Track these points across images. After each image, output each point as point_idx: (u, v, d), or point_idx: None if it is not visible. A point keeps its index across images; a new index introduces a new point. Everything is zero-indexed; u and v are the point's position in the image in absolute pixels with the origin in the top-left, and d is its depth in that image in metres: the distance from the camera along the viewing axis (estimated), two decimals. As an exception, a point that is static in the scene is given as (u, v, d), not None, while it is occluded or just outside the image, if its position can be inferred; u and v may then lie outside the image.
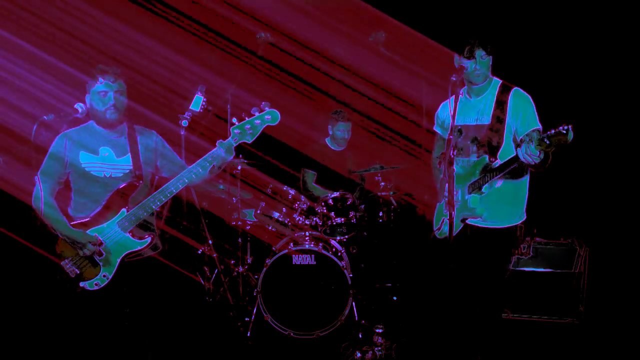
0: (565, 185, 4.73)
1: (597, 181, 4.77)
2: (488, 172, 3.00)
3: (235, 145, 2.81)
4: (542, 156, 2.69)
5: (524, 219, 3.18)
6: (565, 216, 4.81)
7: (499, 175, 2.97)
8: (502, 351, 3.70)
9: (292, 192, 4.60)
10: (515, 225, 3.15)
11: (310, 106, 5.53)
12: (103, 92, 2.83)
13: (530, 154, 2.69)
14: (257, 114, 2.77)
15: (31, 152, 2.82)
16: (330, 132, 5.11)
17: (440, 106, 3.40)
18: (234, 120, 2.78)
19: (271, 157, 5.07)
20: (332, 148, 5.13)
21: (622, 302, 4.32)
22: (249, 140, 2.80)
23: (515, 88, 3.11)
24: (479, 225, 3.12)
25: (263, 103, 2.78)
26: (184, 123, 4.23)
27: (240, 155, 4.61)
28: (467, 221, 3.13)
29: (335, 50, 5.42)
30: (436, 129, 3.43)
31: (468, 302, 3.15)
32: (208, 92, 4.36)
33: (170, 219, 4.73)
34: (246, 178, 4.77)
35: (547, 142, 2.59)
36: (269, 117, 2.78)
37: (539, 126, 3.02)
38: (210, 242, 4.65)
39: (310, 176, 5.06)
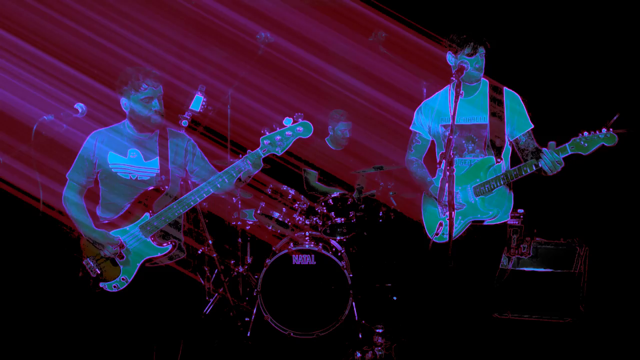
0: (565, 185, 4.72)
1: (597, 181, 4.77)
2: (507, 176, 2.97)
3: (263, 157, 2.72)
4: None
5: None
6: (565, 216, 4.81)
7: (519, 178, 2.96)
8: (502, 351, 3.71)
9: (292, 192, 4.59)
10: (507, 221, 3.18)
11: (310, 106, 5.53)
12: (148, 99, 2.77)
13: (554, 162, 2.79)
14: (288, 125, 2.66)
15: (31, 152, 2.81)
16: (331, 132, 5.11)
17: (423, 104, 3.31)
18: (264, 130, 2.69)
19: (271, 157, 5.07)
20: (332, 148, 5.14)
21: (622, 302, 4.32)
22: (279, 152, 2.69)
23: (506, 88, 3.12)
24: (487, 223, 3.10)
25: (297, 114, 2.67)
26: (184, 123, 4.22)
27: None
28: (475, 222, 3.11)
29: (335, 50, 5.42)
30: (416, 129, 3.32)
31: (467, 301, 3.15)
32: (208, 92, 4.36)
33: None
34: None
35: (585, 144, 2.74)
36: (301, 128, 2.66)
37: (532, 126, 3.07)
38: (210, 242, 4.65)
39: (312, 175, 5.06)
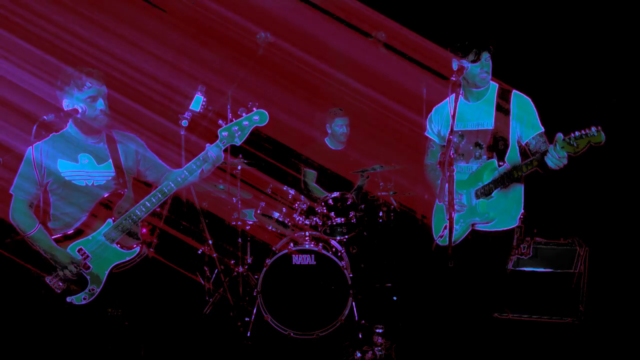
0: (565, 185, 4.73)
1: (597, 181, 4.77)
2: (501, 178, 2.95)
3: (223, 148, 2.72)
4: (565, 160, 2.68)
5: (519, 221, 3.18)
6: (565, 216, 4.81)
7: (513, 181, 2.93)
8: (502, 351, 3.71)
9: (292, 192, 4.59)
10: (514, 227, 3.13)
11: (310, 106, 5.53)
12: (92, 98, 2.70)
13: (560, 158, 2.68)
14: (244, 114, 2.71)
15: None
16: (329, 131, 5.11)
17: (433, 110, 3.32)
18: (221, 122, 2.72)
19: (271, 157, 5.08)
20: (332, 147, 5.14)
21: (622, 302, 4.32)
22: (238, 142, 2.72)
23: (515, 91, 3.09)
24: (487, 229, 3.08)
25: (250, 103, 2.71)
26: (184, 123, 4.23)
27: (240, 155, 4.61)
28: (475, 226, 3.10)
29: (335, 49, 5.42)
30: (429, 134, 3.35)
31: (467, 302, 3.15)
32: (208, 92, 4.36)
33: (170, 218, 4.73)
34: (246, 178, 4.77)
35: (575, 144, 2.61)
36: (257, 117, 2.70)
37: (542, 129, 3.02)
38: (210, 242, 4.65)
39: (310, 175, 5.06)
